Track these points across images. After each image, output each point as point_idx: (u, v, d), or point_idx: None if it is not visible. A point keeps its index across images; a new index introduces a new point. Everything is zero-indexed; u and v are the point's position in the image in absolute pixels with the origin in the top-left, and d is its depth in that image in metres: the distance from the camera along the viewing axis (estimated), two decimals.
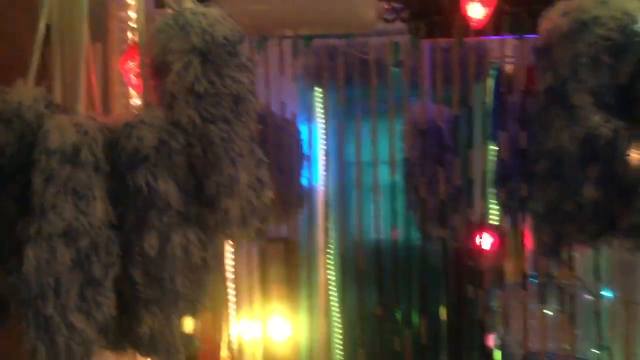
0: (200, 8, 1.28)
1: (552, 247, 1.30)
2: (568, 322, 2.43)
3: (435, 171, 2.18)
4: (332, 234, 3.07)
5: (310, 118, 2.85)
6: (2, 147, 1.21)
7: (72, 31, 1.29)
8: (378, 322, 2.92)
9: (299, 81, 2.67)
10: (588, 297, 2.45)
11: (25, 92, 1.25)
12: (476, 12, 1.37)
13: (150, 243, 1.20)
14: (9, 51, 1.38)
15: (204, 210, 1.26)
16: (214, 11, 1.28)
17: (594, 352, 2.46)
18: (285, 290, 3.09)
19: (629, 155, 1.16)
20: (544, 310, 2.47)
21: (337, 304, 3.07)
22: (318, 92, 2.88)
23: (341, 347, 3.04)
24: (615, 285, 2.28)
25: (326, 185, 3.02)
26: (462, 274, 2.65)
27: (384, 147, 2.62)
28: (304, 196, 2.81)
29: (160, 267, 1.21)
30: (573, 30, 1.18)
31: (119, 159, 1.22)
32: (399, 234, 2.80)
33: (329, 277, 3.10)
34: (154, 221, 1.20)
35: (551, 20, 1.23)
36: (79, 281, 1.15)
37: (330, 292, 3.12)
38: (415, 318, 2.77)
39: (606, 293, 2.42)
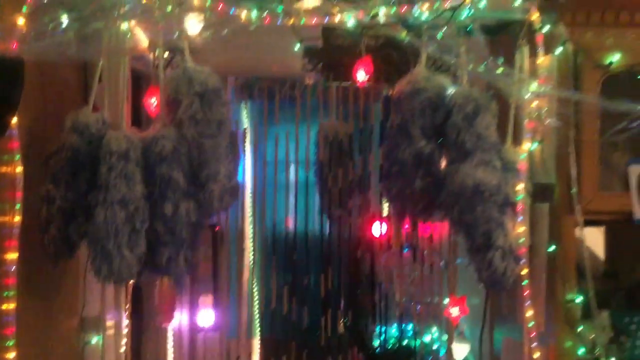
0: (198, 67, 2.10)
1: (400, 218, 2.23)
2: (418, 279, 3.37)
3: (337, 169, 3.10)
4: (254, 223, 3.79)
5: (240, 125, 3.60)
6: (78, 149, 1.99)
7: (116, 81, 2.09)
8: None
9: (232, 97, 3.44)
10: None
11: (90, 115, 2.03)
12: (360, 76, 2.31)
13: (168, 209, 2.02)
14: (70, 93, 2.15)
15: (198, 190, 2.09)
16: (206, 69, 2.11)
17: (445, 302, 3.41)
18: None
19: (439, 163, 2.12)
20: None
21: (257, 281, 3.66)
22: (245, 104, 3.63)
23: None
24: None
25: (251, 182, 3.74)
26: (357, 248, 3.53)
27: (303, 150, 3.44)
28: (240, 189, 3.50)
29: (174, 222, 2.03)
30: (411, 92, 2.09)
31: (149, 158, 2.02)
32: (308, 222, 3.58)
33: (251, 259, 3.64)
34: (170, 196, 2.02)
35: (400, 85, 2.14)
36: (128, 230, 1.95)
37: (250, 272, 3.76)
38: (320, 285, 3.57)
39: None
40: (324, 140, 3.20)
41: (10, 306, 1.87)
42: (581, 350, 2.30)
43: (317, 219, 3.54)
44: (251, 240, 3.71)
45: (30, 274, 2.04)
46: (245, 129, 3.52)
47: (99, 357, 2.35)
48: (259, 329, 3.71)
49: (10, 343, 1.86)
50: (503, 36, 2.30)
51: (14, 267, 1.90)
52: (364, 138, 3.12)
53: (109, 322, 2.36)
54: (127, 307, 2.46)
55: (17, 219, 1.90)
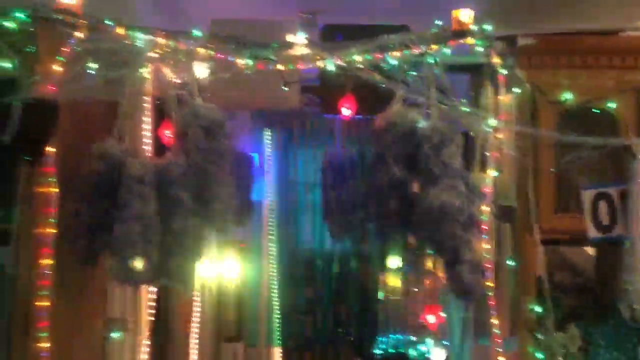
0: (206, 104, 2.47)
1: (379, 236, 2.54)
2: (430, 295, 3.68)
3: (338, 192, 3.42)
4: (275, 240, 4.08)
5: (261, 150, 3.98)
6: (103, 173, 2.37)
7: (136, 116, 2.48)
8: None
9: (254, 126, 3.84)
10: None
11: (113, 145, 2.42)
12: (345, 112, 2.66)
13: (177, 224, 2.38)
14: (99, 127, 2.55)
15: (203, 208, 2.44)
16: (211, 106, 2.47)
17: None
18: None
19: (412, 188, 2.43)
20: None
21: (277, 294, 3.98)
22: (267, 133, 4.04)
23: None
24: None
25: (272, 201, 4.07)
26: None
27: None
28: (254, 208, 3.85)
29: (182, 236, 2.39)
30: (386, 127, 2.43)
31: (162, 181, 2.39)
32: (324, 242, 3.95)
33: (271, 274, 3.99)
34: (179, 213, 2.38)
35: (379, 120, 2.47)
36: (143, 241, 2.32)
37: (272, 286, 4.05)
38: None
39: None
40: (328, 165, 3.54)
41: (45, 303, 2.25)
42: (540, 356, 2.55)
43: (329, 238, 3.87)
44: (273, 256, 4.05)
45: (62, 278, 2.41)
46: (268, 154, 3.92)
47: (119, 355, 2.72)
48: (279, 338, 4.00)
49: (44, 334, 2.23)
50: (474, 76, 2.61)
51: (48, 271, 2.27)
52: (361, 164, 3.44)
53: (130, 323, 2.72)
54: (149, 311, 2.82)
55: (52, 230, 2.29)
